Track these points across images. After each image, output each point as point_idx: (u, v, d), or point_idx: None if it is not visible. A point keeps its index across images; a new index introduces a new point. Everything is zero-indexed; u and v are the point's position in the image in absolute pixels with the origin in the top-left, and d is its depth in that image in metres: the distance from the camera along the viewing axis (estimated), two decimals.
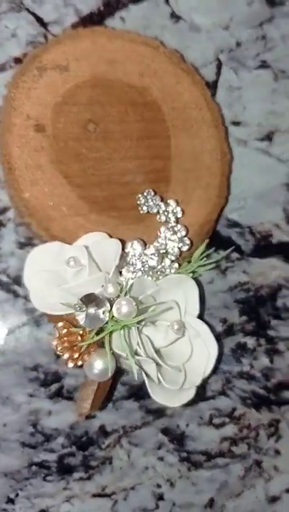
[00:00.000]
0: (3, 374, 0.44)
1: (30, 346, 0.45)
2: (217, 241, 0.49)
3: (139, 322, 0.37)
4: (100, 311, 0.35)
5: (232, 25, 0.51)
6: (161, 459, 0.47)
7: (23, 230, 0.45)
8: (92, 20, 0.48)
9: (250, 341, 0.50)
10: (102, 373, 0.37)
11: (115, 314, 0.35)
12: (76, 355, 0.36)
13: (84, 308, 0.35)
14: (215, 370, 0.48)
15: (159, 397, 0.37)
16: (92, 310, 0.35)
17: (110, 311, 0.36)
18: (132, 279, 0.39)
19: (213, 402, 0.48)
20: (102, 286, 0.36)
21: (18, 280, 0.45)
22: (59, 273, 0.39)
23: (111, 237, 0.41)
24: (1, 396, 0.44)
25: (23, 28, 0.47)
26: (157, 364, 0.38)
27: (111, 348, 0.36)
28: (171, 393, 0.38)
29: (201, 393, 0.48)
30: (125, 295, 0.37)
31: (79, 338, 0.36)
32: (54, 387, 0.45)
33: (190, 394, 0.39)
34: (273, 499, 0.49)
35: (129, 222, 0.43)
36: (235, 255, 0.50)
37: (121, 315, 0.35)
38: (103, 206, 0.43)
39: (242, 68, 0.51)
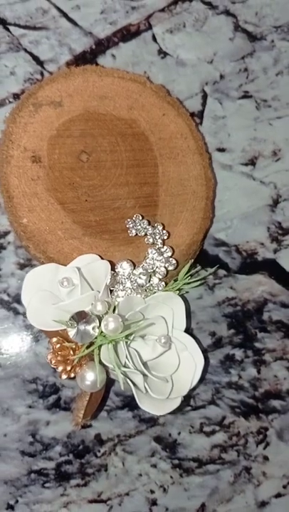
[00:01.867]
0: (3, 387, 0.47)
1: (29, 360, 0.48)
2: (205, 259, 0.52)
3: (126, 336, 0.40)
4: (90, 327, 0.38)
5: (216, 60, 0.54)
6: (154, 465, 0.49)
7: (22, 252, 0.49)
8: (85, 58, 0.52)
9: (238, 353, 0.53)
10: (93, 384, 0.40)
11: (103, 330, 0.38)
12: (69, 368, 0.39)
13: (75, 325, 0.38)
14: (203, 380, 0.51)
15: (146, 406, 0.40)
16: (82, 326, 0.38)
17: (99, 327, 0.39)
18: (122, 297, 0.43)
19: (203, 411, 0.51)
20: (92, 304, 0.40)
21: (18, 299, 0.48)
22: (54, 292, 0.42)
23: (102, 258, 0.45)
24: (2, 407, 0.47)
25: (21, 66, 0.51)
26: (144, 375, 0.41)
27: (100, 361, 0.39)
28: (158, 402, 0.41)
29: (191, 403, 0.51)
30: (113, 312, 0.40)
31: (71, 352, 0.39)
32: (52, 398, 0.48)
33: (176, 403, 0.41)
34: (263, 504, 0.52)
35: (120, 244, 0.47)
36: (222, 272, 0.53)
37: (108, 330, 0.38)
38: (96, 230, 0.46)
39: (226, 99, 0.54)
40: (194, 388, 0.49)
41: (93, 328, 0.39)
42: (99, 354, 0.39)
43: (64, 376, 0.40)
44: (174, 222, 0.48)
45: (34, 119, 0.47)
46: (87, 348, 0.39)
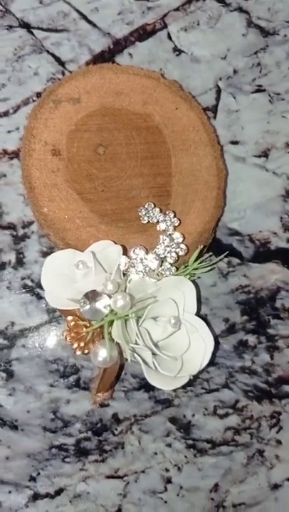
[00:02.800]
0: (27, 366, 0.50)
1: (51, 342, 0.51)
2: (219, 248, 0.54)
3: (136, 314, 0.43)
4: (101, 305, 0.41)
5: (229, 55, 0.56)
6: (169, 445, 0.51)
7: (45, 241, 0.52)
8: (104, 57, 0.55)
9: (251, 339, 0.54)
10: (104, 360, 0.42)
11: (112, 307, 0.41)
12: (82, 344, 0.42)
13: (87, 303, 0.41)
14: (217, 364, 0.53)
15: (154, 380, 0.42)
16: (93, 304, 0.41)
17: (110, 305, 0.41)
18: (134, 279, 0.45)
19: (217, 394, 0.53)
20: (103, 284, 0.42)
21: (40, 284, 0.51)
22: (70, 275, 0.45)
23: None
24: (25, 386, 0.50)
25: (44, 67, 0.54)
26: (154, 353, 0.43)
27: (110, 337, 0.42)
28: (165, 378, 0.43)
29: (205, 386, 0.53)
30: (124, 291, 0.42)
31: (84, 329, 0.42)
32: (72, 378, 0.51)
33: (183, 380, 0.43)
34: (275, 486, 0.53)
35: (134, 232, 0.49)
36: (236, 261, 0.55)
37: (117, 307, 0.41)
38: (112, 218, 0.49)
39: (239, 93, 0.56)
40: (207, 371, 0.51)
41: (104, 307, 0.41)
42: (109, 330, 0.42)
43: (78, 352, 0.42)
44: (186, 211, 0.50)
45: (54, 114, 0.50)
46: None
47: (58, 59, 0.54)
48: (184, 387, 0.52)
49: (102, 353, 0.42)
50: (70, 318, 0.43)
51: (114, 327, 0.42)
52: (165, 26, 0.56)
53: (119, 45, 0.55)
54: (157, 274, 0.47)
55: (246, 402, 0.53)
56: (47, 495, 0.49)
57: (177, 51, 0.56)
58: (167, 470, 0.51)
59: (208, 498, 0.51)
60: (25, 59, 0.54)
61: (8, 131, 0.53)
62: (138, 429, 0.51)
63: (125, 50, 0.55)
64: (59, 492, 0.49)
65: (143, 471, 0.51)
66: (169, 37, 0.56)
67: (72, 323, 0.42)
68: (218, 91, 0.56)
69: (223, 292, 0.54)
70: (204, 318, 0.51)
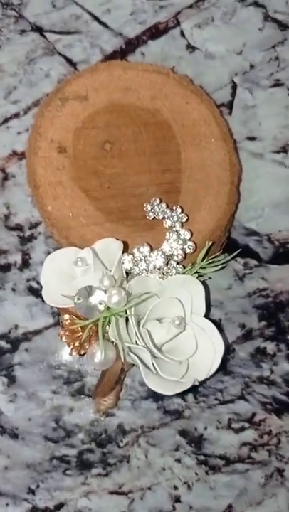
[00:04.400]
0: (30, 371, 0.48)
1: (55, 346, 0.49)
2: (235, 249, 0.51)
3: (137, 315, 0.40)
4: (96, 301, 0.39)
5: (245, 50, 0.54)
6: (178, 460, 0.47)
7: (52, 242, 0.51)
8: (116, 57, 0.54)
9: (270, 346, 0.50)
10: (101, 362, 0.40)
11: (107, 303, 0.38)
12: (77, 344, 0.39)
13: (80, 299, 0.39)
14: (231, 373, 0.49)
15: (152, 384, 0.39)
16: (87, 300, 0.39)
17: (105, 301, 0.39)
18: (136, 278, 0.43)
19: (232, 406, 0.49)
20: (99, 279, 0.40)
21: None
22: (70, 273, 0.43)
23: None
24: (27, 391, 0.48)
25: (55, 69, 0.54)
26: (154, 355, 0.40)
27: (107, 336, 0.39)
28: (166, 382, 0.39)
29: (219, 397, 0.49)
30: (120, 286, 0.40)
31: (79, 328, 0.40)
32: (76, 385, 0.48)
33: (185, 385, 0.40)
34: None
35: (141, 230, 0.47)
36: (253, 262, 0.51)
37: (112, 303, 0.38)
38: (118, 216, 0.47)
39: (256, 88, 0.54)
40: (221, 380, 0.48)
41: (99, 303, 0.39)
42: (103, 328, 0.39)
43: (74, 353, 0.40)
44: (196, 207, 0.48)
45: (61, 112, 0.49)
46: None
47: (69, 60, 0.54)
48: (195, 397, 0.48)
49: (98, 355, 0.40)
50: (66, 316, 0.41)
51: (110, 327, 0.40)
52: (178, 24, 0.55)
53: (132, 45, 0.54)
54: (162, 273, 0.44)
55: (264, 416, 0.49)
56: (46, 509, 0.46)
57: (191, 48, 0.54)
58: (176, 488, 0.47)
59: None
60: (37, 61, 0.54)
61: (18, 133, 0.53)
62: (145, 442, 0.48)
63: (137, 50, 0.54)
64: (59, 507, 0.46)
65: (149, 488, 0.47)
66: (182, 34, 0.55)
67: (68, 321, 0.40)
68: (234, 86, 0.54)
69: (239, 296, 0.51)
70: (218, 323, 0.48)
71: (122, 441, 0.48)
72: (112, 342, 0.41)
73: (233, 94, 0.54)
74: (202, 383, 0.42)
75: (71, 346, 0.40)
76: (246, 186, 0.51)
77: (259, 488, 0.47)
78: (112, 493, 0.47)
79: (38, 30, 0.54)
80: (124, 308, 0.39)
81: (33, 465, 0.47)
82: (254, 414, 0.49)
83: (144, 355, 0.39)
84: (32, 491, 0.46)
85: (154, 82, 0.50)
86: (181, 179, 0.48)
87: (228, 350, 0.49)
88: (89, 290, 0.39)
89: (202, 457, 0.48)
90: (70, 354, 0.40)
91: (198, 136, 0.49)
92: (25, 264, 0.50)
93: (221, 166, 0.49)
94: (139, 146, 0.49)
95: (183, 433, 0.48)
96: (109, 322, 0.40)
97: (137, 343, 0.40)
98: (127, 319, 0.41)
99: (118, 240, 0.45)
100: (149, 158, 0.49)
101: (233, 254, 0.47)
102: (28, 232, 0.51)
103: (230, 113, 0.54)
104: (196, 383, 0.41)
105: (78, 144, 0.48)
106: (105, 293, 0.39)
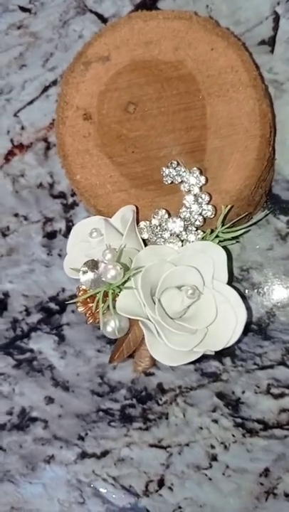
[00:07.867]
0: (76, 331, 0.52)
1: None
2: (276, 205, 0.47)
3: (149, 286, 0.40)
4: (98, 276, 0.39)
5: None
6: (215, 421, 0.48)
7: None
8: (146, 5, 0.51)
9: None
10: (113, 332, 0.41)
11: (103, 277, 0.39)
12: (89, 315, 0.41)
13: (86, 272, 0.40)
14: (270, 338, 0.47)
15: (157, 354, 0.39)
16: (91, 273, 0.40)
17: None
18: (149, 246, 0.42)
19: (271, 371, 0.47)
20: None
21: None
22: (90, 243, 0.44)
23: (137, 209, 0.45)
24: (75, 349, 0.52)
25: (87, 28, 0.53)
26: (162, 325, 0.40)
27: (109, 308, 0.40)
28: (172, 352, 0.39)
29: (258, 362, 0.47)
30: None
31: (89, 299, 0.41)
32: None
33: (193, 356, 0.40)
34: None
35: (165, 194, 0.46)
36: None
37: (108, 278, 0.39)
38: (142, 181, 0.46)
39: None
40: (260, 345, 0.46)
41: (102, 276, 0.40)
42: (104, 301, 0.40)
43: (90, 321, 0.42)
44: (223, 166, 0.45)
45: (85, 77, 0.48)
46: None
47: (100, 16, 0.53)
48: (233, 361, 0.48)
49: (111, 323, 0.41)
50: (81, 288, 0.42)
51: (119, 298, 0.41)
52: None
53: None
54: (181, 240, 0.43)
55: None
56: (93, 455, 0.51)
57: None
58: (213, 447, 0.48)
59: (256, 482, 0.46)
60: (70, 23, 0.53)
61: (57, 101, 0.53)
62: (183, 401, 0.49)
63: None
64: (104, 454, 0.50)
65: (187, 445, 0.48)
66: None
67: (81, 292, 0.42)
68: (276, 18, 0.47)
69: (281, 257, 0.47)
70: (258, 288, 0.46)
71: (161, 400, 0.49)
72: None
73: (276, 27, 0.47)
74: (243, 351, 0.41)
75: (87, 315, 0.42)
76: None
77: None
78: (152, 446, 0.49)
79: None
80: (119, 283, 0.39)
81: (82, 415, 0.51)
82: None
83: (149, 325, 0.40)
84: (82, 438, 0.51)
85: (177, 30, 0.46)
86: (207, 136, 0.45)
87: (269, 314, 0.47)
88: (93, 264, 0.40)
89: (239, 420, 0.47)
90: (86, 322, 0.42)
91: (225, 86, 0.45)
92: (69, 230, 0.52)
93: (249, 117, 0.44)
94: (162, 104, 0.46)
95: (220, 395, 0.48)
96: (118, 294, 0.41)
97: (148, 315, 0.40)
98: None
99: (142, 206, 0.45)
100: (173, 117, 0.46)
101: (263, 214, 0.43)
102: (70, 200, 0.53)
103: (272, 51, 0.48)
104: (209, 353, 0.40)
105: (102, 109, 0.48)
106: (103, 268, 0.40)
